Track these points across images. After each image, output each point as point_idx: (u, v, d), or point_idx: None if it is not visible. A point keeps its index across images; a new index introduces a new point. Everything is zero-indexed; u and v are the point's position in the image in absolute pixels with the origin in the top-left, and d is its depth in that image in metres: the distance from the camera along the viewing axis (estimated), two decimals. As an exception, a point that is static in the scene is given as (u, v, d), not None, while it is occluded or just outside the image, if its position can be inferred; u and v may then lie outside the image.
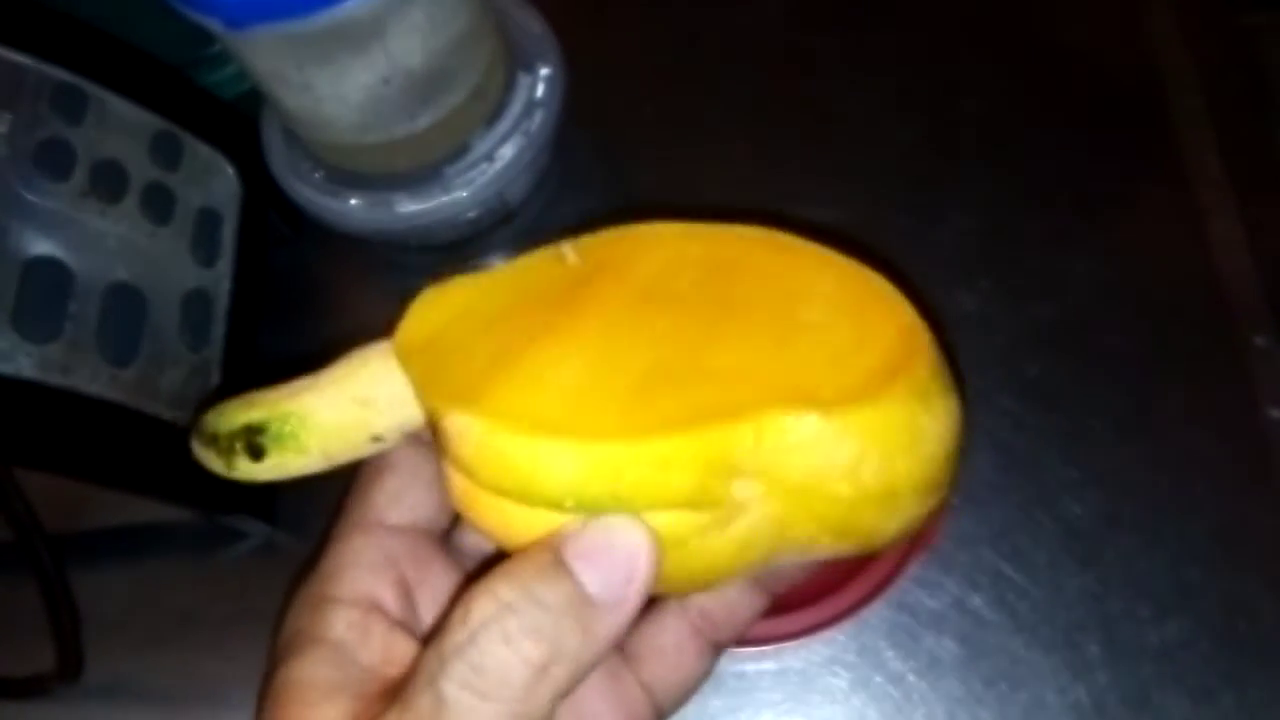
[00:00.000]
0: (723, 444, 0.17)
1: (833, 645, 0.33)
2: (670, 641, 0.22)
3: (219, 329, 0.34)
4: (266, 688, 0.20)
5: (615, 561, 0.18)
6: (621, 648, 0.23)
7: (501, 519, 0.18)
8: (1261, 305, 0.36)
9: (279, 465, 0.21)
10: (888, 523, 0.18)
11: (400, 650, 0.20)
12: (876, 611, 0.32)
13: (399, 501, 0.22)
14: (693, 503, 0.17)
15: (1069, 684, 0.32)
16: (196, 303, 0.33)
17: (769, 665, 0.33)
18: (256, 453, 0.20)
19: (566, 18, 0.37)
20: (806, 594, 0.31)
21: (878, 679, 0.32)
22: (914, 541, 0.32)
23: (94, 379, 0.29)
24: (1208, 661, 0.32)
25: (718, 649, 0.23)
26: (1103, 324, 0.36)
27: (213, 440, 0.21)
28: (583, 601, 0.17)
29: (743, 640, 0.31)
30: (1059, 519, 0.34)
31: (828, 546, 0.18)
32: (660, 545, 0.18)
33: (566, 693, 0.18)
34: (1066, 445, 0.35)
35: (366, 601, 0.21)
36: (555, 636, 0.17)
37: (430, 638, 0.18)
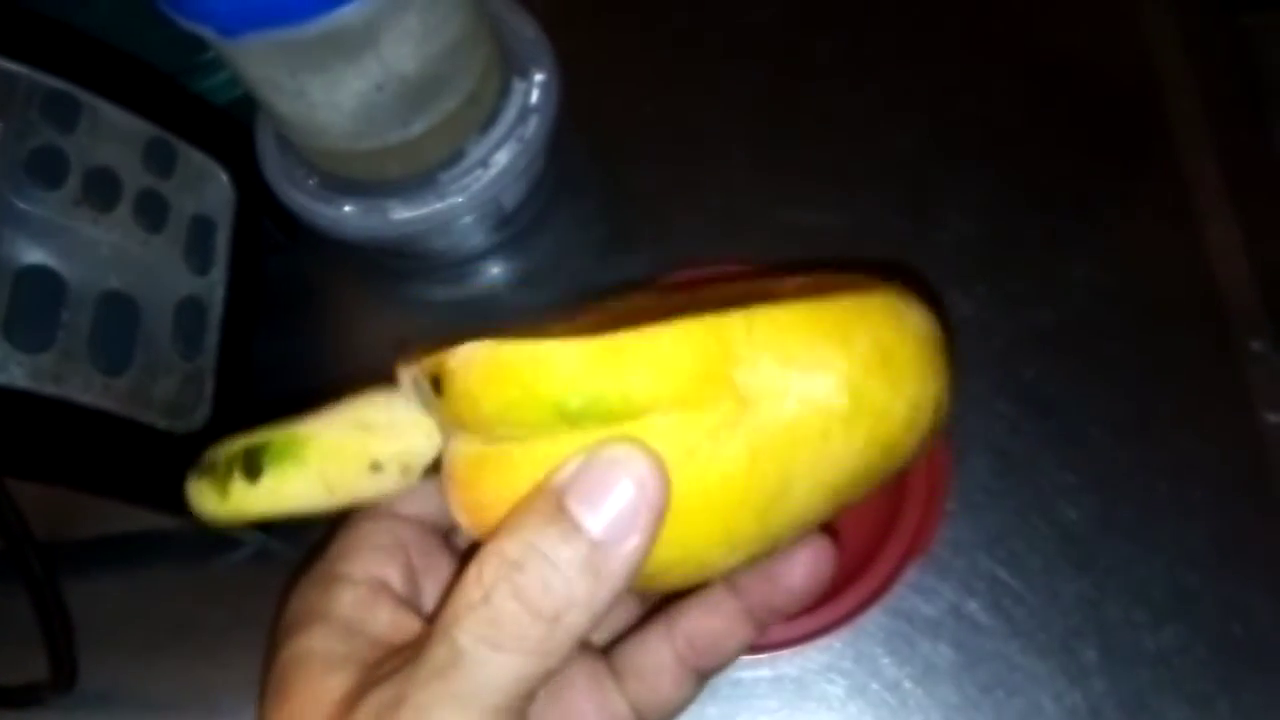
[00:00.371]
0: (718, 330, 0.17)
1: (829, 652, 0.33)
2: (651, 664, 0.22)
3: (213, 337, 0.34)
4: (272, 666, 0.20)
5: (618, 498, 0.17)
6: (607, 657, 0.23)
7: (506, 474, 0.18)
8: (1258, 310, 0.36)
9: (276, 489, 0.20)
10: (893, 400, 0.18)
11: (407, 625, 0.20)
12: (872, 618, 0.32)
13: (407, 496, 0.22)
14: (699, 394, 0.17)
15: (1065, 690, 0.32)
16: (190, 311, 0.33)
17: (765, 672, 0.33)
18: (254, 470, 0.20)
19: (561, 22, 0.37)
20: (802, 601, 0.31)
21: (874, 686, 0.32)
22: (909, 547, 0.32)
23: (86, 388, 0.29)
24: (1204, 667, 0.32)
25: (701, 678, 0.23)
26: (1100, 328, 0.36)
27: (210, 469, 0.21)
28: (590, 548, 0.17)
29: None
30: (1055, 524, 0.34)
31: (841, 443, 0.18)
32: (669, 464, 0.17)
33: (586, 633, 0.18)
34: (1063, 450, 0.34)
35: (374, 581, 0.21)
36: (565, 587, 0.17)
37: (438, 612, 0.18)
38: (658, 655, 0.22)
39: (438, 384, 0.19)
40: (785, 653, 0.32)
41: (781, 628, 0.31)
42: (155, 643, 0.35)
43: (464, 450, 0.19)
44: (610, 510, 0.17)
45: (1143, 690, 0.31)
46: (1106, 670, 0.32)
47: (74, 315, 0.29)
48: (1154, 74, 0.40)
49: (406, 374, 0.20)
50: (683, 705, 0.23)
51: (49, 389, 0.28)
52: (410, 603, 0.21)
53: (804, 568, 0.21)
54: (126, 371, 0.30)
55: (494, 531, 0.18)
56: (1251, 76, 0.41)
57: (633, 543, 0.17)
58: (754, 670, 0.33)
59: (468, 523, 0.20)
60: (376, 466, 0.20)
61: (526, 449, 0.18)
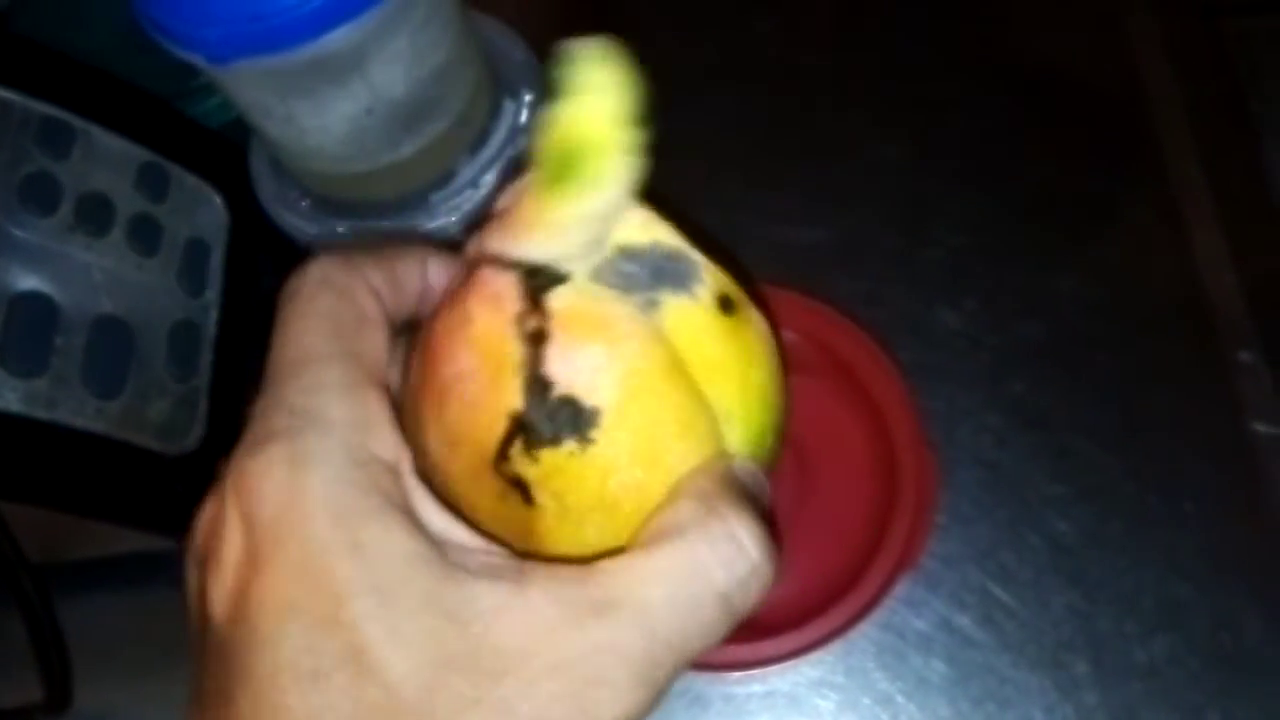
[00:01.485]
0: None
1: (820, 667, 0.33)
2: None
3: (206, 359, 0.34)
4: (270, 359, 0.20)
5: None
6: None
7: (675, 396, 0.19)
8: (1246, 320, 0.36)
9: (588, 193, 0.19)
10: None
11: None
12: (864, 632, 0.33)
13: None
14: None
15: (1057, 703, 0.32)
16: (184, 333, 0.33)
17: (757, 688, 0.33)
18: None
19: (550, 42, 0.38)
20: (793, 616, 0.31)
21: (866, 700, 0.32)
22: (899, 561, 0.32)
23: (80, 412, 0.29)
24: (1196, 678, 0.32)
25: None
26: (1088, 341, 0.36)
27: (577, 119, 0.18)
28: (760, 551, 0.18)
29: (730, 663, 0.32)
30: (1045, 537, 0.34)
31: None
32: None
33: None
34: (1052, 462, 0.35)
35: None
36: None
37: None
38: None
39: (727, 304, 0.20)
40: (777, 668, 0.32)
41: (773, 642, 0.32)
42: (149, 664, 0.35)
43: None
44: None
45: (1134, 702, 0.32)
46: (1098, 682, 0.32)
47: (67, 340, 0.30)
48: (1139, 82, 0.41)
49: (663, 233, 0.20)
50: None
51: (42, 413, 0.28)
52: None
53: None
54: (120, 395, 0.31)
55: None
56: (1235, 83, 0.42)
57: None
58: (746, 686, 0.33)
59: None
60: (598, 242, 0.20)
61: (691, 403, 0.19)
